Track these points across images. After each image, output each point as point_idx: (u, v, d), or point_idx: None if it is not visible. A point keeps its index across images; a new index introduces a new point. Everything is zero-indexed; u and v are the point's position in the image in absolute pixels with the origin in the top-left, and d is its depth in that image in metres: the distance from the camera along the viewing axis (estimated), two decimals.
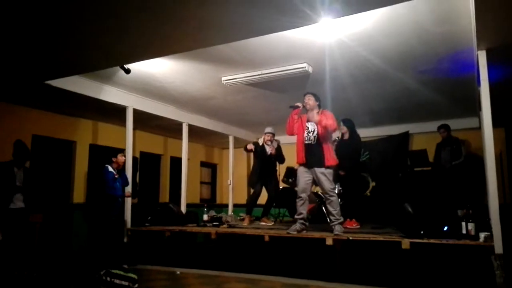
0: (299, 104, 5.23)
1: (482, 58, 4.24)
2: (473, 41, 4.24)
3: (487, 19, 3.54)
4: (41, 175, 6.67)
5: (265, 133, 6.88)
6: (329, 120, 4.98)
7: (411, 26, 4.20)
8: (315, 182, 5.17)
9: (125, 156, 6.64)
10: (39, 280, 5.18)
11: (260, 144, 6.88)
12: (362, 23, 4.15)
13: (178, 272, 5.20)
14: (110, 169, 6.24)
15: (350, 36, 4.47)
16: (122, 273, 3.32)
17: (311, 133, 5.11)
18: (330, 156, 5.05)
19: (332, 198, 5.02)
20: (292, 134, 5.33)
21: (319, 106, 5.25)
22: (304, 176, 5.12)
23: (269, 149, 6.82)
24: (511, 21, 3.62)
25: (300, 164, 5.19)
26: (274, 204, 7.27)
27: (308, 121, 5.20)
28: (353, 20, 4.06)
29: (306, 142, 5.12)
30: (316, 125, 5.09)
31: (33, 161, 6.17)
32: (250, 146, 6.81)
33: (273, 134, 6.92)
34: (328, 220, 5.24)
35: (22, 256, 5.40)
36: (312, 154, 5.05)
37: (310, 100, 5.21)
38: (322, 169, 4.99)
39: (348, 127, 6.15)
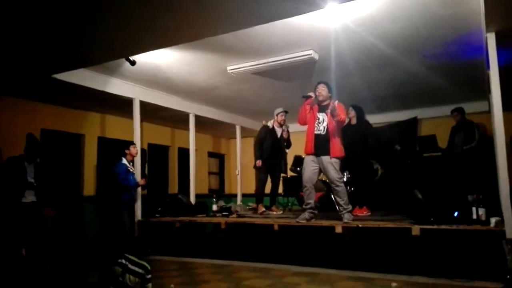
0: (312, 94, 5.14)
1: (491, 41, 4.14)
2: (481, 23, 4.15)
3: (496, 0, 3.46)
4: (51, 169, 6.74)
5: (278, 114, 6.71)
6: (342, 114, 4.98)
7: (417, 9, 4.12)
8: (321, 172, 5.15)
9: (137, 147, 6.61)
10: (52, 272, 5.27)
11: (270, 127, 6.73)
12: (367, 7, 4.08)
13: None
14: (124, 161, 6.21)
15: (355, 21, 4.40)
16: (136, 259, 3.38)
17: (321, 123, 5.06)
18: (337, 148, 5.01)
19: (338, 188, 4.99)
20: (304, 124, 5.25)
21: (331, 97, 5.16)
22: (311, 165, 5.09)
23: (279, 132, 6.73)
24: None
25: (308, 154, 5.16)
26: (279, 192, 7.20)
27: (319, 111, 5.12)
28: (359, 5, 4.00)
29: (316, 132, 5.06)
30: (327, 115, 5.03)
31: (42, 155, 6.23)
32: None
33: (286, 112, 6.73)
34: (337, 209, 5.23)
35: (36, 249, 5.49)
36: (321, 144, 5.01)
37: (323, 91, 5.10)
38: (329, 159, 4.96)
39: (356, 113, 6.12)
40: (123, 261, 3.33)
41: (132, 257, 3.39)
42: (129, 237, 6.04)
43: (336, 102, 4.98)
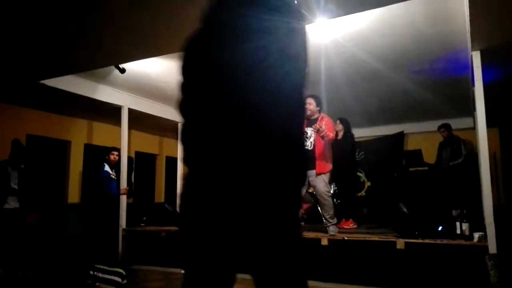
0: None
1: (476, 59, 4.25)
2: (467, 42, 4.26)
3: (481, 20, 3.56)
4: (36, 175, 6.63)
5: None
6: (330, 132, 4.89)
7: (405, 26, 4.21)
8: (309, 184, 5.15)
9: (117, 152, 6.56)
10: (34, 280, 5.15)
11: None
12: (357, 23, 4.15)
13: None
14: (106, 168, 6.18)
15: (345, 36, 4.47)
16: (106, 268, 3.32)
17: (309, 138, 5.01)
18: (323, 164, 4.93)
19: (325, 202, 4.93)
20: None
21: (320, 111, 5.10)
22: None
23: None
24: (505, 22, 3.65)
25: None
26: None
27: (307, 126, 5.02)
28: (348, 21, 4.07)
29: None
30: (314, 132, 5.01)
31: (27, 161, 6.13)
32: None
33: None
34: (323, 221, 5.21)
35: (17, 256, 5.38)
36: (308, 160, 4.91)
37: (311, 105, 5.02)
38: (317, 173, 4.93)
39: (344, 126, 6.15)
40: (93, 272, 3.27)
41: (103, 267, 3.33)
42: (110, 246, 5.95)
43: (325, 118, 4.97)
